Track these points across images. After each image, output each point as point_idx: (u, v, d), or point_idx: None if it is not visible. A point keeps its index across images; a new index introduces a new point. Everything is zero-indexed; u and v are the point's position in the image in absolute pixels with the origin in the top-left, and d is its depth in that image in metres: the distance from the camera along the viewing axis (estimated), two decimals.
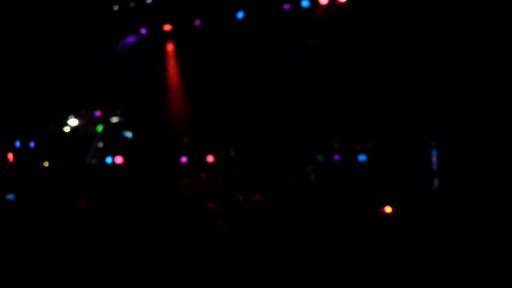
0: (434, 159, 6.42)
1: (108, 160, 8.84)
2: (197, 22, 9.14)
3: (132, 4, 8.94)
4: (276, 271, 4.63)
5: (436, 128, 6.74)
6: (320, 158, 8.01)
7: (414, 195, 6.22)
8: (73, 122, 8.90)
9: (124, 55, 8.99)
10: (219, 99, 8.80)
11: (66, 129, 8.91)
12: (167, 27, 9.18)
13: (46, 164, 8.76)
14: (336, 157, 7.78)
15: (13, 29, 8.70)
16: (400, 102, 7.44)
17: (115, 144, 8.91)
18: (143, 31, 9.23)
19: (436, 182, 6.35)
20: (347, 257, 4.92)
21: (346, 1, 8.14)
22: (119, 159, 8.85)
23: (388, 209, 6.18)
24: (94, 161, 8.73)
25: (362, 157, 7.57)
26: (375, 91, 7.65)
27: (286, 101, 8.57)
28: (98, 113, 9.03)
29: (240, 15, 8.86)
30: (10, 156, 8.71)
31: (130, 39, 9.16)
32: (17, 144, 8.90)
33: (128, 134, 9.17)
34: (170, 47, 9.33)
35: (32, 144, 8.93)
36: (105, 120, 8.95)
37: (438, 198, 6.15)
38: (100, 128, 9.00)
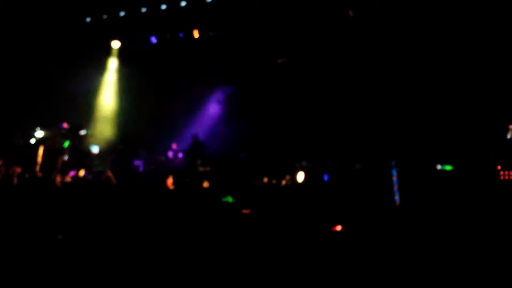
0: (395, 178, 6.69)
1: None
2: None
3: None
4: None
5: (395, 147, 7.07)
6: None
7: (378, 211, 6.44)
8: (39, 133, 8.79)
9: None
10: None
11: (32, 141, 8.79)
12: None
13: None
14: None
15: None
16: (363, 125, 7.78)
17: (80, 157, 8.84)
18: None
19: (397, 199, 6.60)
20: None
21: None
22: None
23: (338, 228, 6.37)
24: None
25: (326, 176, 7.78)
26: (341, 116, 8.01)
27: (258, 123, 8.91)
28: (65, 125, 8.96)
29: None
30: None
31: None
32: None
33: (95, 148, 9.13)
34: None
35: None
36: (72, 133, 8.88)
37: (400, 214, 6.40)
38: (66, 144, 8.93)
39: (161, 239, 5.73)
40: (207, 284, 4.68)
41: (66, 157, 8.84)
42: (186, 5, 8.42)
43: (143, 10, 8.43)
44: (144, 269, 4.91)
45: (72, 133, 8.82)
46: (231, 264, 5.08)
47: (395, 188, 6.50)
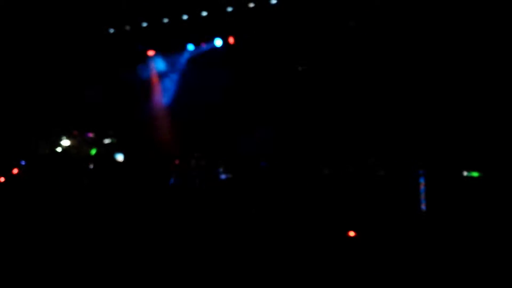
0: (422, 186, 6.67)
1: None
2: None
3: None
4: None
5: (423, 156, 7.03)
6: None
7: (403, 220, 6.44)
8: (65, 142, 8.93)
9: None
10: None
11: (58, 149, 8.93)
12: None
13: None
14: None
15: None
16: (390, 132, 7.74)
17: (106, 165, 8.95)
18: None
19: (423, 208, 6.59)
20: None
21: None
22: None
23: (351, 233, 6.38)
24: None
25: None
26: (367, 121, 7.97)
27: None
28: (90, 134, 9.09)
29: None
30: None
31: None
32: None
33: (120, 156, 9.23)
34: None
35: (23, 163, 8.91)
36: (97, 142, 9.01)
37: (426, 223, 6.39)
38: (93, 151, 9.05)
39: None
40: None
41: (91, 166, 8.97)
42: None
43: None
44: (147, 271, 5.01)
45: (98, 142, 8.95)
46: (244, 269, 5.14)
47: (422, 196, 6.50)
